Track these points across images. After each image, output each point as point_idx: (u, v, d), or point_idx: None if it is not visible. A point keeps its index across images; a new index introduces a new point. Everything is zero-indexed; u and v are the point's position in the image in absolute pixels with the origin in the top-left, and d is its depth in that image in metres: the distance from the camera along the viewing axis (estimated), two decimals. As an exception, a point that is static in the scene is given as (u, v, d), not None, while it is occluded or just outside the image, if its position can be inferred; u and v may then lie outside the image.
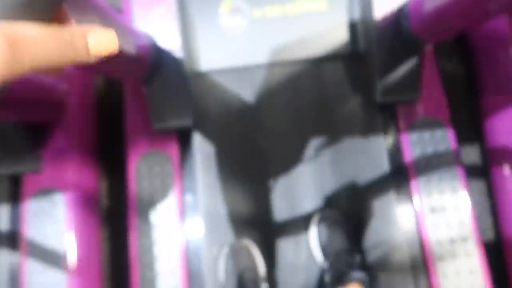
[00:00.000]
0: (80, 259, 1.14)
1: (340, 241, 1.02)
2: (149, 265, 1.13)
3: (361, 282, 0.91)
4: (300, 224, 1.12)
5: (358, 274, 0.93)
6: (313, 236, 1.08)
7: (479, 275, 1.05)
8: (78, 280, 1.12)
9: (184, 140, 1.21)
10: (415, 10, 0.93)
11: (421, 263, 1.08)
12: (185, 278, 1.12)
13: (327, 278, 1.01)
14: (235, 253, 1.06)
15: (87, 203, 1.22)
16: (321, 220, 1.07)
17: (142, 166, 1.19)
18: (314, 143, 1.16)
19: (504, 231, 1.16)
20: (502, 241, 1.18)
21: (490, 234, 1.23)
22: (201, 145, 1.18)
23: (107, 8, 0.73)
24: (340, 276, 0.94)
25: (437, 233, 1.09)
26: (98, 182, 1.32)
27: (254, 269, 1.03)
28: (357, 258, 0.99)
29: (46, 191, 1.18)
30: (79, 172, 1.21)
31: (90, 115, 1.31)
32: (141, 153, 1.19)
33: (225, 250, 1.08)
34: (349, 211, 1.12)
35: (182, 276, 1.12)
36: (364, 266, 1.03)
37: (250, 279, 1.01)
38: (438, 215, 1.10)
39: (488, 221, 1.23)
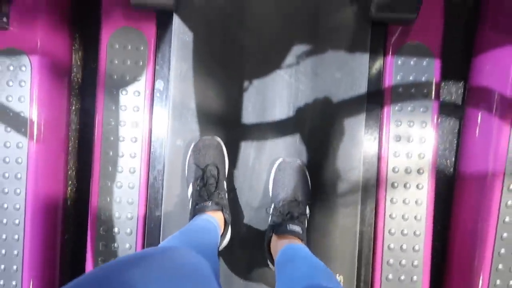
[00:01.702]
0: (43, 125, 1.13)
1: (290, 192, 1.02)
2: (112, 144, 1.14)
3: (296, 236, 0.93)
4: (266, 132, 1.11)
5: (294, 228, 0.94)
6: (270, 181, 1.09)
7: (423, 207, 1.09)
8: (40, 145, 1.13)
9: (163, 22, 1.13)
10: None
11: (373, 188, 1.11)
12: (146, 162, 1.14)
13: (269, 222, 1.03)
14: (202, 147, 1.06)
15: (55, 70, 1.17)
16: (281, 167, 1.07)
17: (115, 42, 1.13)
18: (297, 49, 1.10)
19: (460, 169, 1.18)
20: (455, 179, 1.21)
21: (447, 172, 1.25)
22: (180, 30, 1.11)
23: None
24: (278, 225, 0.96)
25: (395, 161, 1.10)
26: (69, 52, 1.26)
27: (217, 166, 1.05)
28: (302, 213, 1.00)
29: (12, 52, 1.12)
30: (47, 36, 1.15)
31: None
32: (116, 27, 1.12)
33: (195, 142, 1.08)
34: (316, 124, 1.11)
35: (142, 160, 1.13)
36: (307, 221, 1.03)
37: (212, 175, 1.02)
38: (401, 145, 1.10)
39: (450, 159, 1.25)
